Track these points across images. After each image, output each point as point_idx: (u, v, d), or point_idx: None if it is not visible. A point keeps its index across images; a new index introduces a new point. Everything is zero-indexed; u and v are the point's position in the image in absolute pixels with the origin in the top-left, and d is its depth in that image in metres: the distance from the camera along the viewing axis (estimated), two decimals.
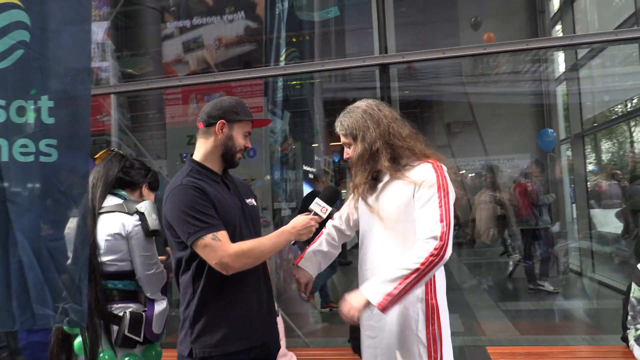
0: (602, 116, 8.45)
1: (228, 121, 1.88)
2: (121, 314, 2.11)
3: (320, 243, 2.14)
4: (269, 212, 6.15)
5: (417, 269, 1.70)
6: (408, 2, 8.64)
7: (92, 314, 2.04)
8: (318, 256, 2.12)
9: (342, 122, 1.95)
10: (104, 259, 2.11)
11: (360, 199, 1.96)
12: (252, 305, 1.86)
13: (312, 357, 2.99)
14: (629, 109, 8.12)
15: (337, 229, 2.15)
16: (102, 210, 2.16)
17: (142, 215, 2.13)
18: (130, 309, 2.13)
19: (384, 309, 1.69)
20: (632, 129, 11.67)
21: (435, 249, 1.72)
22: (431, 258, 1.71)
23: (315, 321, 4.93)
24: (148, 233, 2.12)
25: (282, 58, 5.72)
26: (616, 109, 8.72)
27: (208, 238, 1.70)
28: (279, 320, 2.81)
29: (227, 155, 1.90)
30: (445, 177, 1.83)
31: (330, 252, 2.14)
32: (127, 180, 2.30)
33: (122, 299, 2.15)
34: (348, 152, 1.97)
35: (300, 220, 1.86)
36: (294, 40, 6.12)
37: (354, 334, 2.86)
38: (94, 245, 2.08)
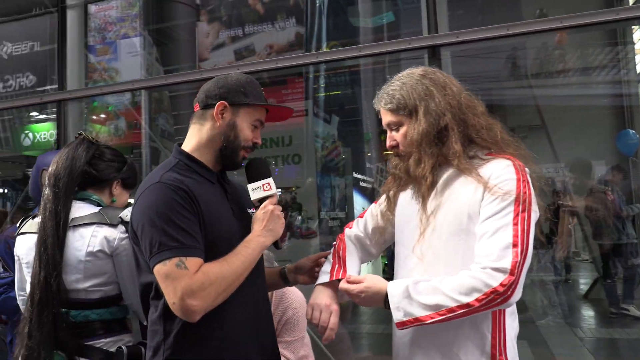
0: None
1: (232, 104, 1.42)
2: (113, 349, 1.67)
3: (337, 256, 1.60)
4: (314, 222, 5.78)
5: (468, 305, 1.21)
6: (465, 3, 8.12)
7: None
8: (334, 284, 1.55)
9: (390, 93, 1.42)
10: (85, 284, 1.68)
11: (414, 198, 1.43)
12: (249, 354, 1.38)
13: None
14: None
15: (360, 242, 1.65)
16: (73, 223, 1.71)
17: (128, 226, 1.70)
18: (123, 342, 1.70)
19: (403, 328, 1.29)
20: None
21: (501, 285, 1.20)
22: (492, 296, 1.20)
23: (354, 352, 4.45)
24: None
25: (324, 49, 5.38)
26: None
27: (171, 264, 1.22)
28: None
29: (227, 150, 1.44)
30: (528, 184, 1.29)
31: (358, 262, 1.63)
32: (93, 175, 1.82)
33: (109, 330, 1.71)
34: (395, 137, 1.43)
35: (259, 216, 1.39)
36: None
37: None
38: (54, 263, 1.64)
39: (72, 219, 1.71)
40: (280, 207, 1.43)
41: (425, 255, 1.38)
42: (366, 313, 6.48)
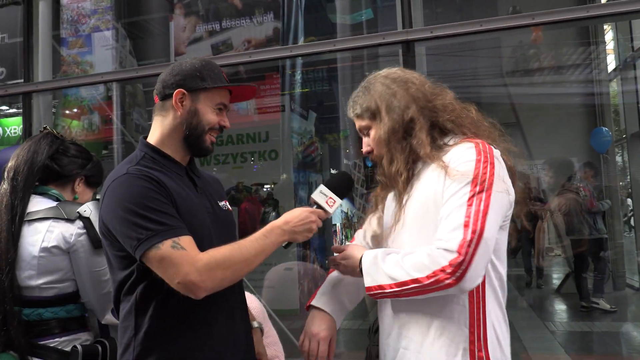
0: None
1: (190, 90, 1.38)
2: (68, 348, 1.62)
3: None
4: None
5: (418, 280, 1.22)
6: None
7: None
8: (341, 291, 1.55)
9: (354, 99, 1.46)
10: (39, 281, 1.62)
11: (394, 195, 1.43)
12: (224, 351, 1.35)
13: None
14: None
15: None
16: (29, 218, 1.65)
17: (86, 222, 1.64)
18: (80, 341, 1.65)
19: (373, 296, 1.31)
20: None
21: (450, 264, 1.19)
22: (440, 275, 1.20)
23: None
24: (97, 244, 1.62)
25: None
26: None
27: (166, 246, 1.19)
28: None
29: (192, 137, 1.39)
30: (490, 163, 1.27)
31: (359, 284, 1.52)
32: (54, 170, 1.75)
33: (66, 329, 1.66)
34: (368, 143, 1.44)
35: (296, 213, 1.36)
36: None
37: None
38: (7, 259, 1.59)
39: (28, 213, 1.66)
40: (320, 223, 1.39)
41: (394, 248, 1.37)
42: None
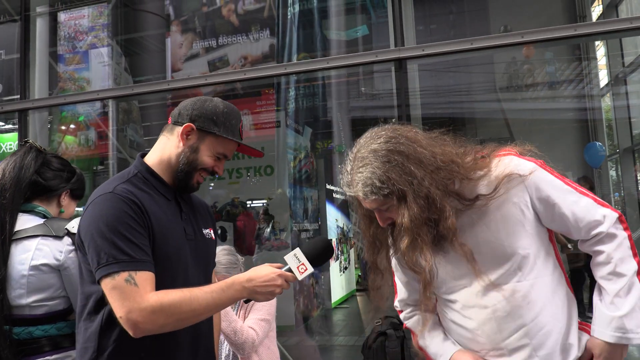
0: None
1: (199, 129, 1.39)
2: None
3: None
4: (285, 233, 5.77)
5: (635, 269, 1.26)
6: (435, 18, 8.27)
7: None
8: None
9: (367, 181, 1.23)
10: (29, 299, 1.60)
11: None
12: None
13: None
14: None
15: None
16: (17, 236, 1.63)
17: (74, 237, 1.60)
18: (71, 359, 1.63)
19: None
20: None
21: (619, 220, 1.27)
22: (629, 239, 1.26)
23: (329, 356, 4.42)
24: None
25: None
26: None
27: (121, 277, 1.19)
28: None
29: (182, 172, 1.39)
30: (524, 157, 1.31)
31: None
32: (41, 185, 1.73)
33: (57, 347, 1.63)
34: (389, 216, 1.29)
35: (263, 273, 1.30)
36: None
37: None
38: (3, 279, 1.58)
39: (16, 231, 1.64)
40: (287, 287, 1.33)
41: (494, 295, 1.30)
42: (338, 325, 6.47)
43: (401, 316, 1.55)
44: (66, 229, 1.65)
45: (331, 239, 1.51)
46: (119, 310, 1.20)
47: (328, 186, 7.94)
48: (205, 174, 1.43)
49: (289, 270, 1.33)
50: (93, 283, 1.28)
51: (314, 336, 5.00)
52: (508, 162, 1.27)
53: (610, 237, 1.26)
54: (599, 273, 1.29)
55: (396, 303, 1.55)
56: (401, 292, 1.49)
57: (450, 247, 1.27)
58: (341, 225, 8.34)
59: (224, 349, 2.28)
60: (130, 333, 1.20)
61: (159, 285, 1.25)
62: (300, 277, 1.33)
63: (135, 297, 1.19)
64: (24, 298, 1.61)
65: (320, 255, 1.37)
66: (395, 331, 2.03)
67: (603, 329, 1.27)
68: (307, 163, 6.90)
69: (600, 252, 1.27)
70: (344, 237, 8.36)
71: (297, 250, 1.35)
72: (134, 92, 3.87)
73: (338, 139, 7.78)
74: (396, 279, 1.49)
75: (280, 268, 1.34)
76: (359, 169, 1.26)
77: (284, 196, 5.89)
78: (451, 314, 1.35)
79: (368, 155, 1.25)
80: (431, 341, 1.43)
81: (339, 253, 7.94)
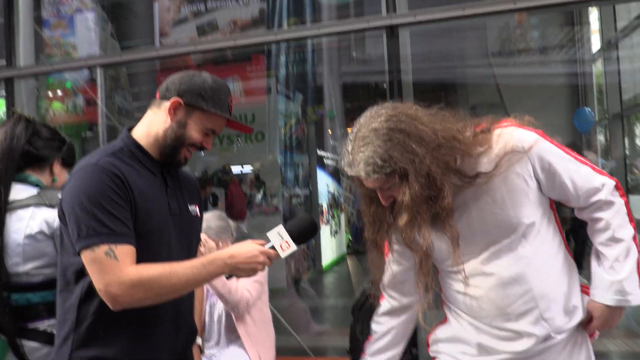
0: (638, 97, 7.92)
1: (187, 104, 1.37)
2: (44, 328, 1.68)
3: (382, 352, 1.52)
4: (276, 199, 5.81)
5: (631, 233, 1.32)
6: None
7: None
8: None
9: (369, 160, 1.23)
10: (26, 267, 1.66)
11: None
12: (161, 352, 1.36)
13: None
14: None
15: (397, 314, 1.52)
16: (11, 206, 1.67)
17: None
18: None
19: None
20: None
21: (616, 188, 1.33)
22: (625, 205, 1.32)
23: (317, 325, 4.54)
24: None
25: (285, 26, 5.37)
26: None
27: (100, 251, 1.19)
28: (267, 326, 2.42)
29: (170, 147, 1.37)
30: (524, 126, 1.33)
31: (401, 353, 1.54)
32: (33, 154, 1.75)
33: (54, 312, 1.61)
34: (390, 194, 1.31)
35: (245, 249, 1.30)
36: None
37: (353, 344, 2.51)
38: (0, 248, 1.62)
39: (10, 202, 1.68)
40: (269, 264, 1.33)
41: (503, 263, 1.36)
42: (329, 288, 6.61)
43: (378, 309, 1.56)
44: (59, 197, 1.67)
45: (315, 223, 1.54)
46: (98, 282, 1.21)
47: (319, 152, 7.96)
48: (194, 149, 1.42)
49: (272, 247, 1.33)
50: (73, 254, 1.28)
51: (305, 299, 5.12)
52: (509, 136, 1.29)
53: (608, 204, 1.31)
54: (598, 239, 1.34)
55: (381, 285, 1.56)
56: (388, 273, 1.51)
57: (441, 226, 1.29)
58: (332, 191, 8.41)
59: (217, 310, 2.34)
60: (110, 306, 1.22)
61: (141, 260, 1.25)
62: (283, 255, 1.33)
63: (115, 270, 1.19)
64: (20, 266, 1.66)
65: (303, 234, 1.37)
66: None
67: (603, 293, 1.32)
68: (298, 129, 6.88)
69: (599, 220, 1.32)
70: (334, 202, 8.44)
71: (281, 228, 1.35)
72: (122, 59, 3.82)
73: (329, 104, 7.74)
74: (387, 261, 1.50)
75: (263, 245, 1.34)
76: (360, 148, 1.25)
77: (275, 162, 5.90)
78: (456, 285, 1.38)
79: (369, 135, 1.24)
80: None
81: (330, 217, 8.03)
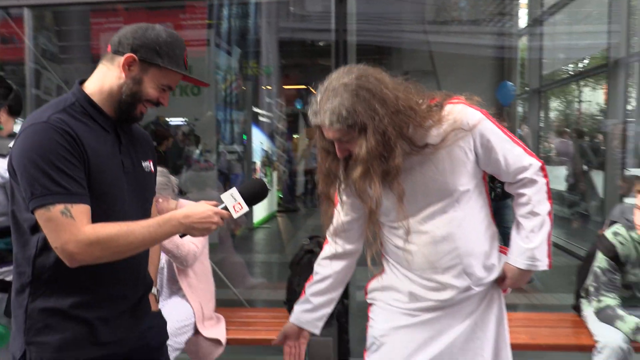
0: (555, 74, 8.49)
1: (142, 60, 1.32)
2: (9, 278, 1.68)
3: (320, 294, 1.65)
4: (212, 155, 5.78)
5: (548, 210, 1.48)
6: None
7: None
8: (322, 311, 1.66)
9: (335, 110, 1.33)
10: None
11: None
12: (118, 303, 1.38)
13: (245, 318, 2.73)
14: (580, 69, 8.11)
15: (339, 259, 1.65)
16: None
17: None
18: None
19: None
20: (581, 89, 11.93)
21: (541, 169, 1.48)
22: (547, 185, 1.50)
23: (252, 279, 4.69)
24: None
25: None
26: (568, 68, 8.78)
27: (56, 210, 1.18)
28: (208, 279, 2.50)
29: (125, 103, 1.34)
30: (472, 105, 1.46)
31: (337, 298, 1.68)
32: None
33: (5, 261, 1.70)
34: (347, 148, 1.40)
35: (200, 210, 1.33)
36: None
37: (290, 296, 2.64)
38: None
39: None
40: (221, 224, 1.37)
41: (436, 220, 1.52)
42: (259, 243, 6.73)
43: (322, 253, 1.68)
44: (10, 147, 1.63)
45: (266, 187, 1.62)
46: (55, 241, 1.21)
47: (254, 109, 7.90)
48: (150, 104, 1.39)
49: (225, 208, 1.39)
50: (26, 210, 1.26)
51: (238, 253, 5.22)
52: (458, 113, 1.41)
53: (532, 182, 1.48)
54: (520, 212, 1.53)
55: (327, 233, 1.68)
56: (336, 221, 1.63)
57: (390, 185, 1.43)
58: (266, 149, 8.44)
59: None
60: (67, 263, 1.22)
61: (96, 219, 1.24)
62: (235, 216, 1.39)
63: (72, 229, 1.19)
64: None
65: (255, 196, 1.44)
66: (321, 250, 2.21)
67: (517, 258, 1.53)
68: (236, 85, 6.79)
69: (522, 195, 1.50)
70: (267, 160, 8.49)
71: (234, 190, 1.41)
72: (51, 2, 3.58)
73: (266, 60, 7.66)
74: (336, 211, 1.62)
75: (216, 206, 1.37)
76: (328, 98, 1.35)
77: (211, 118, 5.83)
78: (395, 240, 1.54)
79: (339, 88, 1.34)
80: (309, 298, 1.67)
81: (263, 175, 8.09)
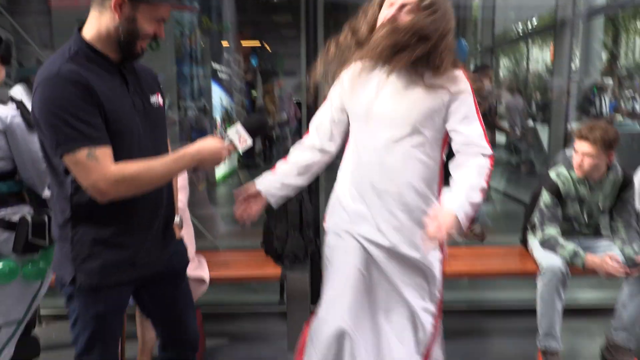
0: (506, 33, 8.75)
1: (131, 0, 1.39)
2: (15, 219, 1.77)
3: (288, 173, 1.86)
4: (173, 111, 5.76)
5: (484, 189, 1.64)
6: None
7: None
8: (284, 190, 1.87)
9: None
10: None
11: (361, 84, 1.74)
12: (148, 230, 1.57)
13: (224, 260, 2.89)
14: (529, 28, 8.38)
15: (314, 151, 1.88)
16: None
17: (19, 104, 1.72)
18: (22, 213, 1.79)
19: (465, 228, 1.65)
20: (530, 48, 12.34)
21: (491, 165, 1.68)
22: (489, 173, 1.67)
23: (226, 223, 4.83)
24: (30, 125, 1.72)
25: None
26: (519, 27, 9.06)
27: (82, 154, 1.32)
28: (188, 225, 2.65)
29: (125, 43, 1.42)
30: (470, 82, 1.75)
31: (300, 187, 1.90)
32: None
33: (6, 203, 1.79)
34: (400, 14, 1.64)
35: (209, 145, 1.50)
36: None
37: (266, 237, 2.80)
38: None
39: None
40: (229, 157, 1.56)
41: (393, 147, 1.75)
42: (222, 197, 6.85)
43: (302, 141, 1.91)
44: (10, 95, 1.71)
45: (267, 123, 1.74)
46: (85, 181, 1.36)
47: (213, 64, 7.83)
48: (148, 40, 1.47)
49: (230, 142, 1.56)
50: (55, 156, 1.39)
51: (206, 205, 5.32)
52: (458, 79, 1.70)
53: (478, 156, 1.68)
54: (456, 173, 1.71)
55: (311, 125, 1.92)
56: (322, 116, 1.88)
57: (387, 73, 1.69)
58: (225, 105, 8.40)
59: None
60: (97, 199, 1.39)
61: (116, 157, 1.39)
62: (241, 150, 1.57)
63: (99, 169, 1.34)
64: None
65: (257, 129, 1.62)
66: (294, 195, 2.39)
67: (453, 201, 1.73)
68: (194, 40, 6.70)
69: (465, 162, 1.70)
70: (227, 116, 8.47)
71: (239, 126, 1.58)
72: None
73: (225, 15, 7.55)
74: (324, 107, 1.87)
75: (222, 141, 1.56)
76: None
77: (171, 73, 5.77)
78: (354, 144, 1.81)
79: None
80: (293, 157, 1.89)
81: (223, 130, 8.09)
